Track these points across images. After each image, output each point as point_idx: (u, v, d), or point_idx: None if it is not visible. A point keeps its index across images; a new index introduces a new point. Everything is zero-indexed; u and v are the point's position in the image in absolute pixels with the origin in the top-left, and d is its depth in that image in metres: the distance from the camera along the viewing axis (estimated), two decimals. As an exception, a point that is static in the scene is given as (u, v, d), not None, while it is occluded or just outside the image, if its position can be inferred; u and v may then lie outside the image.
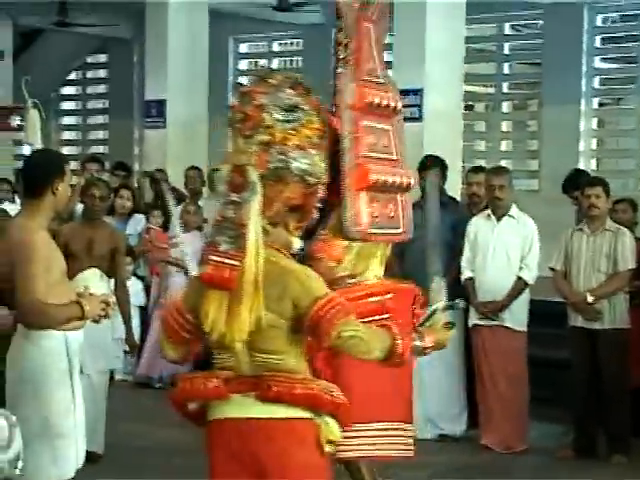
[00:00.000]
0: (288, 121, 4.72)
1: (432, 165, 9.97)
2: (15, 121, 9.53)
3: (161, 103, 14.89)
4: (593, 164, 14.51)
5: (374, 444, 7.05)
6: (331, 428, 4.74)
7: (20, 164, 14.34)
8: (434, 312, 5.40)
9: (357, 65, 7.04)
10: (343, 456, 6.79)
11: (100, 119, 19.99)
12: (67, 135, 20.62)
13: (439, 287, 5.68)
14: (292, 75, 4.95)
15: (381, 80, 7.13)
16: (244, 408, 4.77)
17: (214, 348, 4.83)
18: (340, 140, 6.91)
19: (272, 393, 4.69)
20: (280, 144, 4.67)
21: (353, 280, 7.10)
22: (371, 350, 4.70)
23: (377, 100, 6.98)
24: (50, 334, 6.38)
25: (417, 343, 4.96)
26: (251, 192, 4.65)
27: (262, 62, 18.03)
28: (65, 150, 19.62)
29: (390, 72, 14.02)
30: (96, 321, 6.51)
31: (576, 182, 10.66)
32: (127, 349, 10.22)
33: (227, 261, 4.65)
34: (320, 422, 4.72)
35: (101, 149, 19.41)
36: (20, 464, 2.26)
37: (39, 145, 9.83)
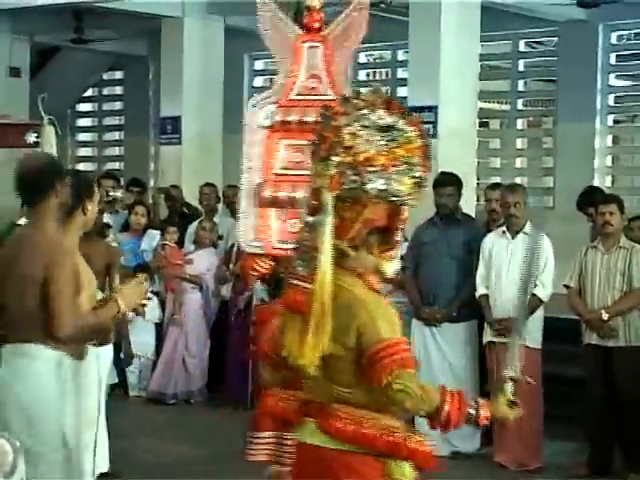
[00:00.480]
0: (379, 141, 4.60)
1: (447, 182, 10.04)
2: (31, 138, 9.51)
3: (176, 120, 14.93)
4: (608, 181, 14.47)
5: None
6: (402, 469, 4.62)
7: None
8: (505, 380, 5.28)
9: (286, 85, 7.42)
10: None
11: (116, 135, 19.98)
12: (83, 152, 20.61)
13: (515, 351, 5.58)
14: (385, 95, 4.82)
15: (321, 97, 7.19)
16: (313, 433, 4.69)
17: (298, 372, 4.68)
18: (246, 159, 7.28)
19: (332, 428, 4.62)
20: (360, 164, 4.53)
21: None
22: (417, 409, 4.59)
23: (297, 118, 7.16)
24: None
25: (471, 412, 4.76)
26: (324, 214, 4.55)
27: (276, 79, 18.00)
28: (81, 166, 19.65)
29: (405, 89, 14.13)
30: (136, 311, 6.75)
31: (591, 199, 10.66)
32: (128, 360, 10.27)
33: (302, 284, 4.57)
34: (390, 461, 4.61)
35: (116, 165, 19.41)
36: None
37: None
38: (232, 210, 11.33)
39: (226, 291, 12.47)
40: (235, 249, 11.37)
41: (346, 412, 4.62)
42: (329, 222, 4.50)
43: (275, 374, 4.87)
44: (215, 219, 12.70)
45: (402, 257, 10.89)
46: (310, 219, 4.63)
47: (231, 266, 11.74)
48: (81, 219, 6.54)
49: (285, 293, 4.67)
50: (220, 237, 12.36)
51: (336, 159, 4.56)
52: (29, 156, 7.40)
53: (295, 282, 4.61)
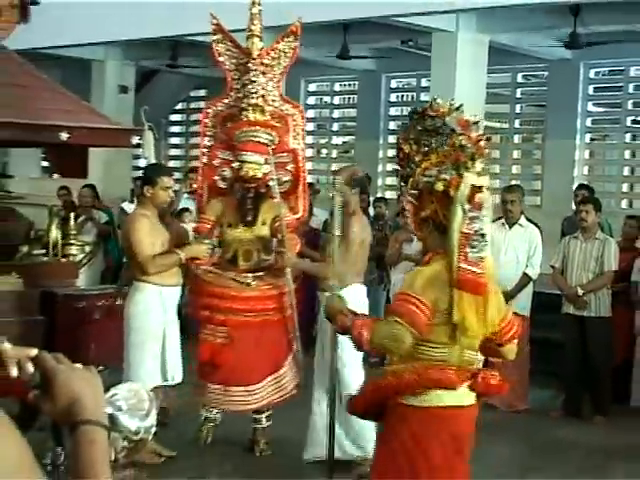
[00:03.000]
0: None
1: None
2: (135, 140, 9.42)
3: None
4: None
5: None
6: None
7: (138, 173, 14.49)
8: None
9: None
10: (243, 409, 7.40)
11: (198, 139, 19.97)
12: (173, 152, 20.69)
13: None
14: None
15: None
16: (465, 396, 4.46)
17: (439, 342, 4.40)
18: None
19: (485, 385, 4.49)
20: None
21: None
22: None
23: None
24: (146, 287, 7.22)
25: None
26: (488, 210, 4.40)
27: (326, 99, 17.98)
28: (171, 163, 19.84)
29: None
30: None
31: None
32: None
33: (476, 269, 4.34)
34: None
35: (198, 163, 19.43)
36: (154, 430, 2.20)
37: (153, 159, 9.81)
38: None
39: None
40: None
41: (484, 372, 4.56)
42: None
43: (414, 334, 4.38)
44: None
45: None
46: (477, 213, 4.36)
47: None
48: (147, 198, 7.27)
49: (462, 275, 4.32)
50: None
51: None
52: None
53: (464, 266, 4.33)
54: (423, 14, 12.05)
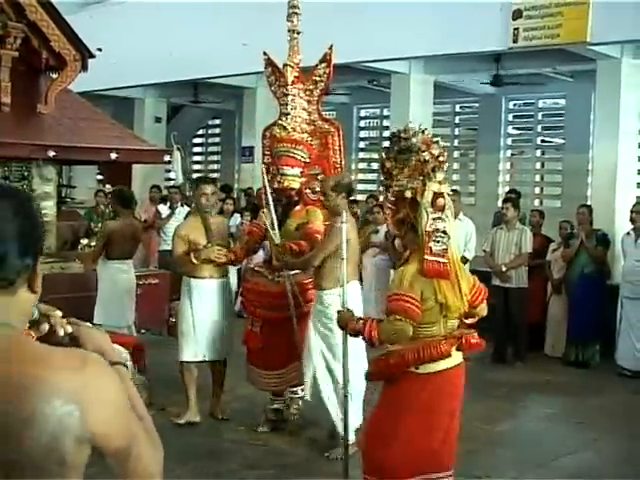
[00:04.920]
0: None
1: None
2: (166, 158, 9.44)
3: (252, 148, 14.81)
4: (507, 189, 14.38)
5: None
6: None
7: (169, 183, 14.51)
8: None
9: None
10: None
11: (216, 158, 19.94)
12: (196, 167, 20.57)
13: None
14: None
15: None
16: (455, 357, 4.36)
17: (429, 322, 4.27)
18: None
19: (468, 345, 4.38)
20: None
21: None
22: None
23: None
24: (183, 278, 7.00)
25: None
26: (449, 211, 4.33)
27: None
28: (194, 175, 19.74)
29: (387, 132, 14.04)
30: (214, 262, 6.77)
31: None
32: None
33: (440, 259, 4.24)
34: None
35: (216, 175, 19.36)
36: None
37: (180, 173, 9.79)
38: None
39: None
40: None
41: (465, 334, 4.42)
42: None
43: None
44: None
45: (387, 232, 10.92)
46: (440, 214, 4.27)
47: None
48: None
49: (428, 265, 4.21)
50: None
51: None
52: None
53: (430, 258, 4.22)
54: (384, 60, 12.09)
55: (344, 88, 15.40)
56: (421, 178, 4.31)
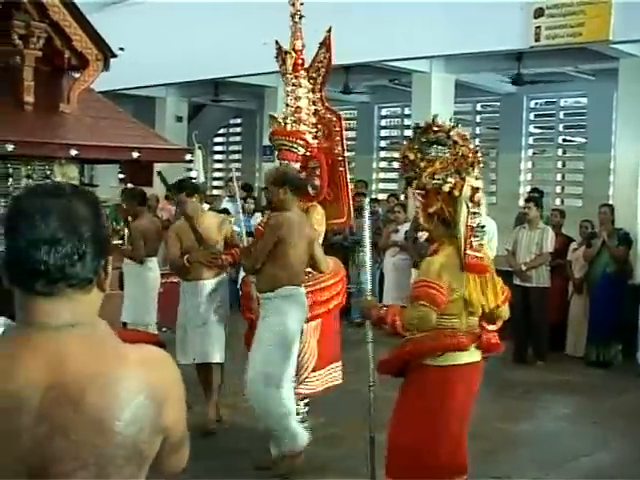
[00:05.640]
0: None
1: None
2: (188, 157, 9.47)
3: (272, 147, 14.81)
4: (528, 188, 14.33)
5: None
6: None
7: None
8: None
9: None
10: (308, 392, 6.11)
11: (237, 157, 19.96)
12: (217, 165, 20.66)
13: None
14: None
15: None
16: (474, 354, 4.35)
17: (452, 313, 4.25)
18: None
19: (488, 344, 4.37)
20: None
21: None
22: None
23: None
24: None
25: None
26: (483, 206, 4.32)
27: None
28: (215, 174, 20.04)
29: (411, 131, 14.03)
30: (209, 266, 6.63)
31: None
32: None
33: (478, 254, 4.24)
34: None
35: (238, 174, 19.40)
36: None
37: (201, 171, 9.81)
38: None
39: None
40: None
41: (483, 333, 4.40)
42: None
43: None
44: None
45: (407, 232, 10.92)
46: (477, 209, 4.25)
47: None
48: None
49: (469, 260, 4.19)
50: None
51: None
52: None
53: (470, 253, 4.21)
54: (406, 59, 12.07)
55: (365, 87, 15.41)
56: (458, 172, 4.26)
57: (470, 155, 4.31)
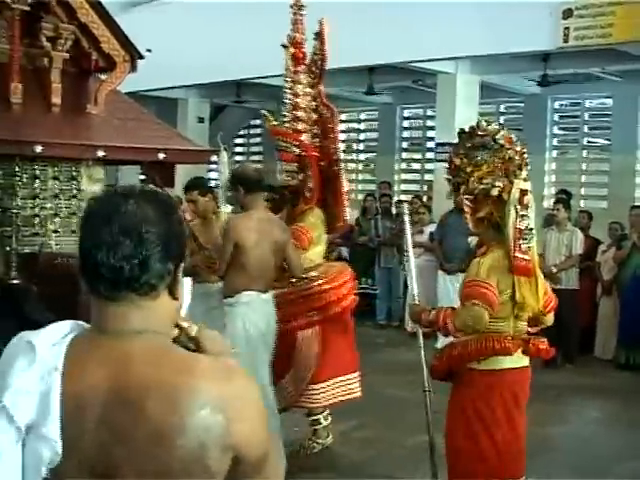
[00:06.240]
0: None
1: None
2: (213, 158, 9.48)
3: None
4: (552, 190, 14.27)
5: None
6: None
7: (211, 184, 14.54)
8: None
9: None
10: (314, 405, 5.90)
11: (258, 158, 19.91)
12: (237, 166, 20.63)
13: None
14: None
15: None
16: (520, 360, 4.32)
17: (500, 317, 4.21)
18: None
19: (536, 349, 4.36)
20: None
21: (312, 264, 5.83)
22: None
23: None
24: None
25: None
26: (532, 209, 4.27)
27: (353, 125, 17.89)
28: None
29: (433, 133, 14.02)
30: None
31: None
32: None
33: (526, 257, 4.21)
34: None
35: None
36: None
37: (227, 173, 9.81)
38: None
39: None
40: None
41: (533, 339, 4.40)
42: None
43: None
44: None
45: (432, 233, 10.93)
46: (525, 211, 4.21)
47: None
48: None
49: (518, 263, 4.16)
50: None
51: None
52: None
53: (519, 255, 4.18)
54: (430, 60, 12.04)
55: (387, 88, 15.38)
56: (506, 176, 4.24)
57: (517, 158, 4.28)
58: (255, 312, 5.39)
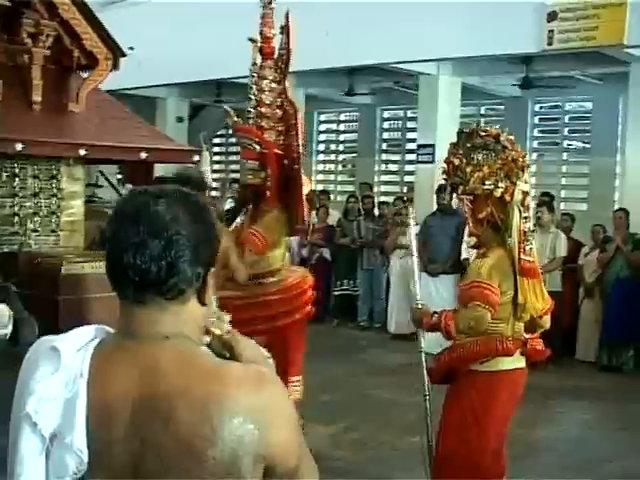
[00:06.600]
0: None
1: (445, 188, 9.80)
2: (195, 158, 9.40)
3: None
4: (532, 192, 14.28)
5: None
6: None
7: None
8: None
9: None
10: None
11: (236, 157, 19.85)
12: (216, 166, 20.49)
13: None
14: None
15: None
16: (519, 360, 4.31)
17: (500, 318, 4.19)
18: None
19: (534, 351, 4.36)
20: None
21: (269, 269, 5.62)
22: None
23: None
24: None
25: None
26: (530, 211, 4.36)
27: (332, 126, 17.86)
28: (215, 175, 19.66)
29: (415, 134, 14.01)
30: None
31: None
32: None
33: (530, 258, 4.21)
34: None
35: (238, 175, 19.38)
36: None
37: (209, 172, 9.73)
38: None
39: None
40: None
41: (530, 340, 4.40)
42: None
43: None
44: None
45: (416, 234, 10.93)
46: (525, 213, 4.22)
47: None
48: None
49: (524, 265, 4.16)
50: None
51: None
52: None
53: (524, 257, 4.17)
54: (412, 62, 12.03)
55: (368, 89, 15.37)
56: (507, 177, 4.22)
57: (520, 159, 4.28)
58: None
